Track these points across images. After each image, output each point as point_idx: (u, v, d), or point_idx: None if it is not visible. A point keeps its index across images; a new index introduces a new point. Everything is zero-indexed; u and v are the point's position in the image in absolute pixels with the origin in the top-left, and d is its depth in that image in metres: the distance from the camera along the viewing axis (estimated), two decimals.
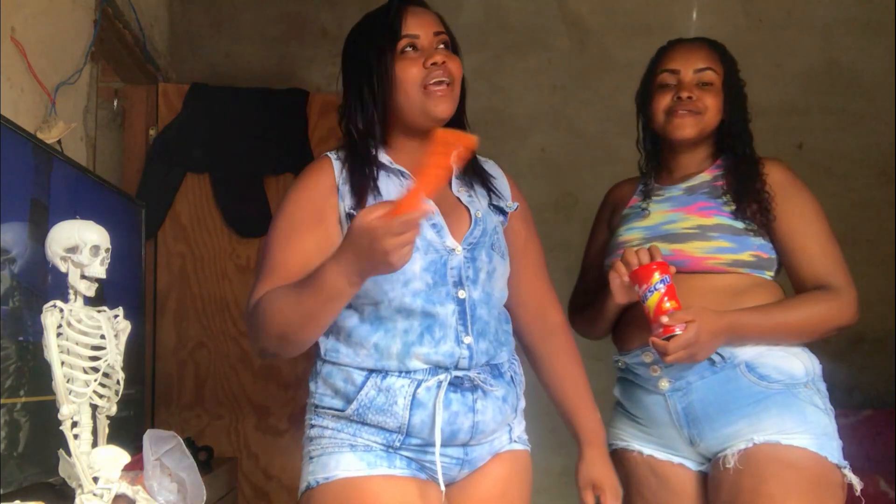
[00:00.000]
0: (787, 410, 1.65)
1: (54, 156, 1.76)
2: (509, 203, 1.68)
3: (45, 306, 1.30)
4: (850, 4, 3.37)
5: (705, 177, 1.83)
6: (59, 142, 2.02)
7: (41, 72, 2.00)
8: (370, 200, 1.53)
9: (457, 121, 1.61)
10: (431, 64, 1.54)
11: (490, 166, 1.73)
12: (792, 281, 1.77)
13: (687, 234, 1.75)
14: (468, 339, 1.52)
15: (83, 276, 1.36)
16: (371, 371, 1.50)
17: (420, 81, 1.53)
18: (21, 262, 1.52)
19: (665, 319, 1.59)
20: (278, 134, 3.08)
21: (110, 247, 1.39)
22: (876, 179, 3.15)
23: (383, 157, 1.59)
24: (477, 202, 1.63)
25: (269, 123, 3.08)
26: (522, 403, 1.66)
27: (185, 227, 3.00)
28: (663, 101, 1.80)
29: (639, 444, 1.79)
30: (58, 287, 1.44)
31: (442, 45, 1.58)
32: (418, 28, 1.56)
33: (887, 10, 3.13)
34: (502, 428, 1.60)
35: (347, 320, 1.53)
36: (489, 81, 3.40)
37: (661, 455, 1.76)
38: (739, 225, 1.73)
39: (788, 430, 1.64)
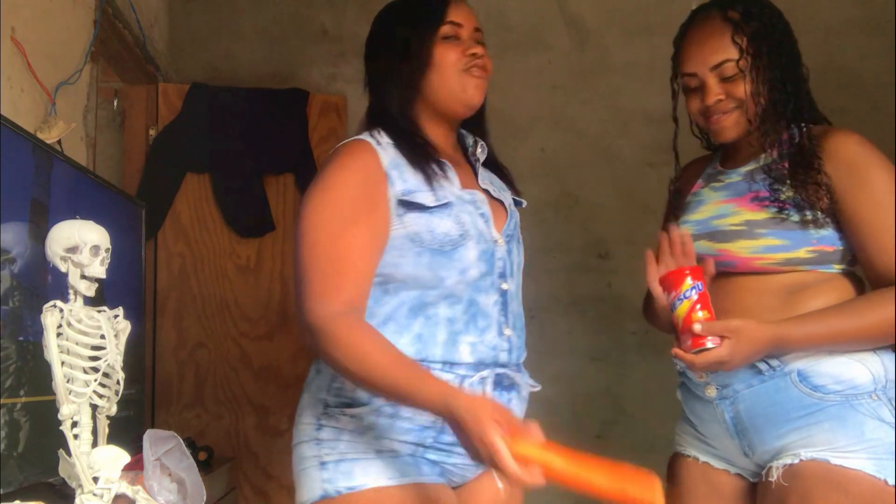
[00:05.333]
0: (841, 425, 1.46)
1: (54, 156, 1.76)
2: (521, 199, 1.70)
3: (45, 306, 1.30)
4: (850, 4, 3.37)
5: (767, 159, 1.60)
6: (59, 142, 2.02)
7: (41, 72, 2.00)
8: (436, 183, 1.50)
9: (476, 120, 1.64)
10: (471, 54, 1.56)
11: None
12: (867, 277, 1.54)
13: (734, 231, 1.56)
14: (508, 332, 1.52)
15: (83, 276, 1.36)
16: None
17: (460, 67, 1.55)
18: (21, 262, 1.52)
19: (697, 328, 1.45)
20: (278, 134, 3.08)
21: (110, 247, 1.39)
22: None
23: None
24: (504, 196, 1.64)
25: (269, 123, 3.07)
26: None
27: (185, 227, 3.00)
28: (694, 105, 1.62)
29: (696, 451, 1.66)
30: (58, 287, 1.44)
31: (479, 44, 1.60)
32: (461, 18, 1.58)
33: (887, 10, 3.12)
34: None
35: (384, 307, 1.47)
36: (489, 81, 3.39)
37: (717, 464, 1.63)
38: (797, 216, 1.51)
39: (841, 447, 1.45)
